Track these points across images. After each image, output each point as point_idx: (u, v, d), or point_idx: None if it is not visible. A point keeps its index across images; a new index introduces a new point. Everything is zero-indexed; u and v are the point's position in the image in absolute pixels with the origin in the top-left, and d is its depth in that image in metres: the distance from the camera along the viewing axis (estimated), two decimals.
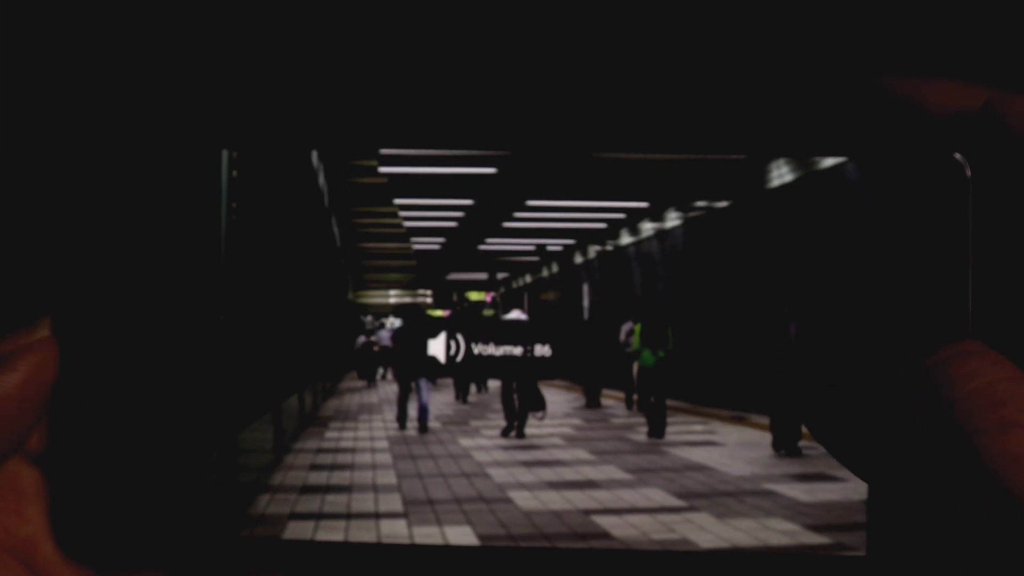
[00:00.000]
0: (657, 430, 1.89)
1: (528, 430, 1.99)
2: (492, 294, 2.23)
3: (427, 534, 1.69)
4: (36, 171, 0.93)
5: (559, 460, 1.93)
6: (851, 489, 1.40)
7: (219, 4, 1.04)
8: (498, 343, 1.06)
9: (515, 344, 1.06)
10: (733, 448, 1.88)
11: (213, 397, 0.88)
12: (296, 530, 1.41)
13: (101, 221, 0.88)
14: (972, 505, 0.56)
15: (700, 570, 0.95)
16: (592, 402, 2.05)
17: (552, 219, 1.98)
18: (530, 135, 0.87)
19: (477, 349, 1.06)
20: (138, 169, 0.88)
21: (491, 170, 1.52)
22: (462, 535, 1.65)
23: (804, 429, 1.79)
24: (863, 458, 0.65)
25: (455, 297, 2.22)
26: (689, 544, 1.50)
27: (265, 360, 1.17)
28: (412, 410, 2.00)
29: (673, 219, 1.84)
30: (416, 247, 2.08)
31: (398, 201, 1.90)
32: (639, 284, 1.93)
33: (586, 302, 2.07)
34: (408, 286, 2.12)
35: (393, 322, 1.77)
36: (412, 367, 1.07)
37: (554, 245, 2.05)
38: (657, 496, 1.81)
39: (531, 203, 1.90)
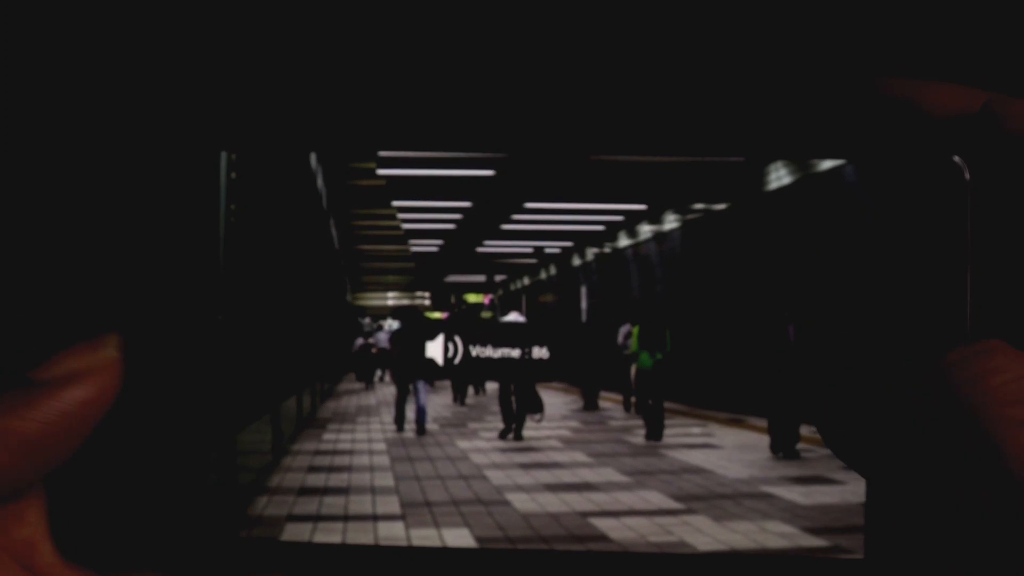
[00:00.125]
0: (655, 432, 1.89)
1: (526, 432, 1.99)
2: (490, 296, 2.24)
3: (424, 536, 1.69)
4: (35, 173, 0.93)
5: (557, 462, 1.93)
6: (849, 492, 1.40)
7: (218, 6, 1.04)
8: (496, 345, 1.06)
9: (513, 346, 1.06)
10: (731, 451, 1.88)
11: (212, 398, 0.88)
12: (294, 532, 1.41)
13: (99, 223, 0.88)
14: (989, 503, 0.56)
15: (698, 573, 0.95)
16: (590, 404, 2.05)
17: (550, 221, 1.98)
18: (528, 137, 0.88)
19: (475, 351, 1.06)
20: (136, 171, 0.88)
21: (489, 172, 1.52)
22: (459, 537, 1.65)
23: (802, 432, 1.79)
24: (873, 457, 0.65)
25: (453, 299, 2.22)
26: (686, 547, 1.50)
27: (263, 362, 1.17)
28: (410, 412, 2.00)
29: (671, 221, 1.84)
30: (414, 249, 2.08)
31: (396, 203, 1.90)
32: (637, 286, 1.93)
33: (584, 304, 2.07)
34: (406, 288, 2.12)
35: (391, 324, 1.77)
36: (410, 369, 1.07)
37: (552, 247, 2.05)
38: (655, 499, 1.81)
39: (529, 205, 1.90)
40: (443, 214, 1.95)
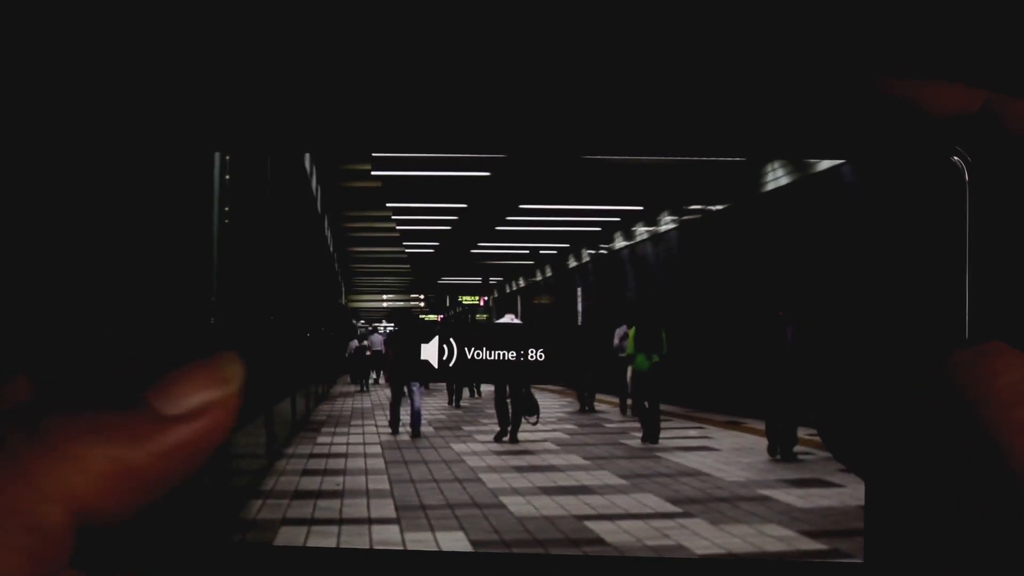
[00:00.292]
0: (651, 435, 1.89)
1: (521, 435, 1.99)
2: (485, 298, 2.23)
3: (420, 540, 1.69)
4: (29, 174, 0.93)
5: (552, 465, 1.92)
6: (848, 495, 1.39)
7: (212, 9, 1.04)
8: (491, 347, 1.05)
9: (508, 349, 1.05)
10: (728, 453, 1.88)
11: None
12: (288, 536, 1.40)
13: (92, 223, 0.88)
14: (991, 505, 0.55)
15: None
16: (586, 407, 2.04)
17: (546, 222, 1.98)
18: (524, 138, 0.87)
19: (470, 354, 1.06)
20: (131, 172, 0.87)
21: (484, 173, 1.52)
22: (455, 541, 1.64)
23: (800, 434, 1.79)
24: (874, 459, 0.64)
25: (448, 301, 2.21)
26: (684, 550, 1.50)
27: (257, 364, 1.16)
28: (405, 415, 1.99)
29: (668, 222, 1.84)
30: (409, 251, 2.08)
31: (391, 205, 1.90)
32: (633, 288, 1.93)
33: (580, 306, 2.07)
34: (401, 290, 2.11)
35: (386, 326, 1.77)
36: (405, 372, 1.06)
37: (548, 249, 2.05)
38: (651, 502, 1.80)
39: (524, 207, 1.90)
40: (438, 215, 1.94)
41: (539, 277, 1.99)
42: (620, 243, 1.92)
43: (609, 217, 1.88)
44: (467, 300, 2.17)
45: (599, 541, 1.70)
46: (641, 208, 1.79)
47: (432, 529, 1.72)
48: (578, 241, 1.94)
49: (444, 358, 1.05)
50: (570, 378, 1.11)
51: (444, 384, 1.99)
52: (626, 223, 1.88)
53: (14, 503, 0.50)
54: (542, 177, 1.50)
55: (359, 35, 1.03)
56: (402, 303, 2.05)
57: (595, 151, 0.88)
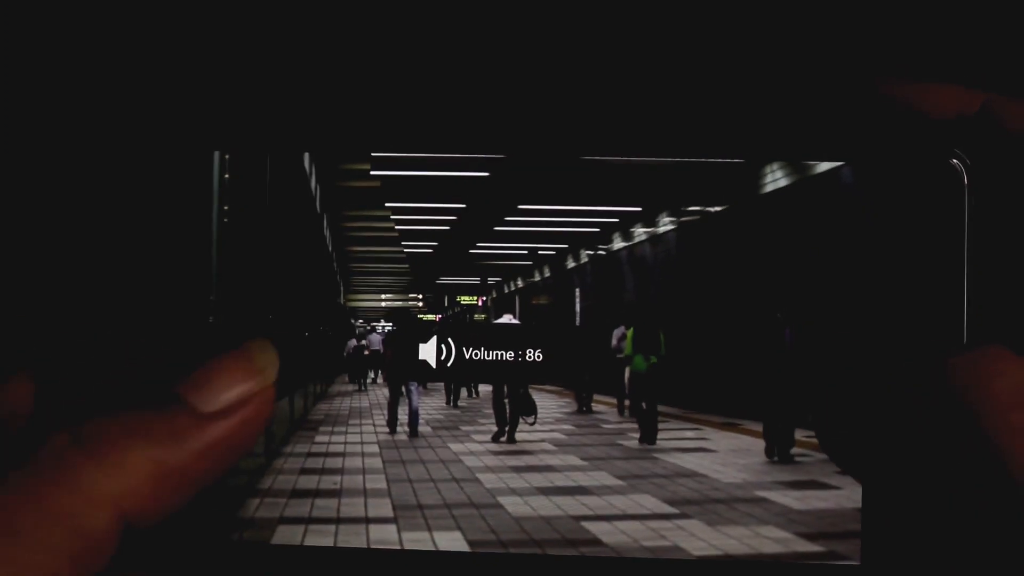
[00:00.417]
0: (649, 436, 1.89)
1: (519, 435, 1.99)
2: (484, 298, 2.23)
3: (417, 539, 1.69)
4: (29, 174, 0.93)
5: (550, 466, 1.92)
6: (844, 497, 1.39)
7: (212, 7, 1.04)
8: (489, 348, 1.06)
9: (506, 349, 1.05)
10: (725, 455, 1.88)
11: None
12: (286, 534, 1.40)
13: (92, 222, 0.88)
14: (990, 507, 0.55)
15: None
16: (583, 408, 2.05)
17: (544, 223, 1.98)
18: (523, 139, 0.87)
19: (468, 353, 1.06)
20: (130, 171, 0.87)
21: (483, 174, 1.52)
22: (452, 541, 1.64)
23: (797, 436, 1.78)
24: (871, 461, 0.64)
25: (446, 301, 2.21)
26: (680, 552, 1.50)
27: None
28: (402, 414, 1.99)
29: (666, 223, 1.84)
30: (408, 251, 2.08)
31: (390, 204, 1.90)
32: (632, 289, 1.93)
33: (578, 307, 2.07)
34: (400, 290, 2.11)
35: (385, 326, 1.77)
36: (403, 371, 1.06)
37: (546, 249, 2.05)
38: (648, 503, 1.80)
39: (523, 207, 1.90)
40: (437, 215, 1.94)
41: (537, 277, 1.99)
42: (618, 244, 1.92)
43: (607, 218, 1.88)
44: (465, 300, 2.17)
45: (596, 542, 1.70)
46: (640, 209, 1.79)
47: (429, 529, 1.72)
48: (576, 242, 1.94)
49: (442, 358, 1.05)
50: (568, 379, 1.11)
51: (442, 384, 1.99)
52: (624, 224, 1.88)
53: (61, 507, 0.50)
54: (541, 178, 1.50)
55: (358, 35, 1.03)
56: (400, 303, 2.05)
57: (594, 152, 0.88)
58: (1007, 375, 0.57)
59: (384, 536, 1.66)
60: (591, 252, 2.01)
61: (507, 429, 1.94)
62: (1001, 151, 0.69)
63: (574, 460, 1.88)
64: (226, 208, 0.88)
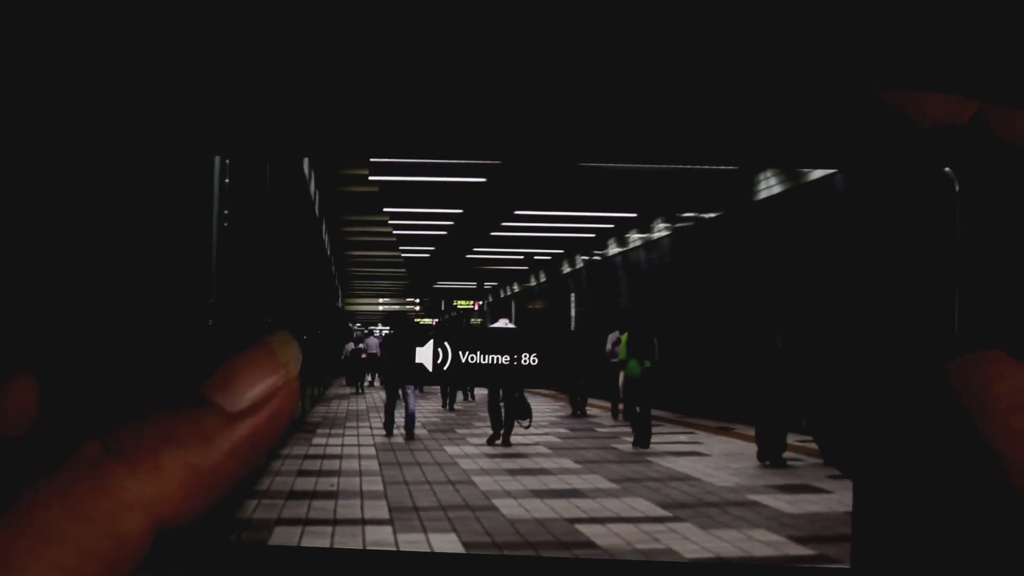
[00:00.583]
0: (642, 440, 1.90)
1: (514, 438, 2.00)
2: (480, 303, 2.24)
3: (412, 541, 1.70)
4: (31, 176, 0.94)
5: (544, 469, 1.93)
6: (835, 501, 1.40)
7: (213, 13, 1.04)
8: (485, 352, 1.06)
9: (502, 353, 1.06)
10: (718, 458, 1.89)
11: None
12: (283, 535, 1.41)
13: (93, 226, 0.89)
14: (986, 507, 0.56)
15: None
16: (578, 411, 2.06)
17: (540, 229, 1.99)
18: (520, 145, 0.88)
19: (464, 357, 1.07)
20: (131, 175, 0.88)
21: (481, 180, 1.53)
22: (447, 542, 1.66)
23: (789, 440, 1.80)
24: (869, 463, 0.65)
25: (443, 305, 2.22)
26: (673, 554, 1.51)
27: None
28: (399, 417, 2.00)
29: (661, 229, 1.85)
30: (405, 255, 2.09)
31: (388, 209, 1.91)
32: (626, 294, 1.94)
33: (573, 311, 2.08)
34: (397, 294, 2.12)
35: (382, 330, 1.78)
36: (400, 375, 1.07)
37: (542, 255, 2.06)
38: (641, 506, 1.81)
39: (520, 212, 1.91)
40: (434, 220, 1.95)
41: (533, 282, 2.01)
42: (614, 250, 1.93)
43: (603, 224, 1.89)
44: (462, 304, 2.18)
45: (590, 544, 1.72)
46: (635, 215, 1.80)
47: (425, 530, 1.73)
48: (572, 247, 1.95)
49: (438, 362, 1.06)
50: (563, 383, 1.12)
51: (438, 388, 2.00)
52: (620, 230, 1.89)
53: (97, 512, 0.51)
54: (537, 184, 1.51)
55: (358, 41, 1.04)
56: (398, 307, 2.06)
57: (591, 158, 0.89)
58: (1006, 379, 0.58)
59: (380, 538, 1.67)
60: (586, 257, 2.02)
61: (502, 432, 1.96)
62: (992, 159, 0.70)
63: (568, 463, 1.90)
64: (226, 212, 0.89)
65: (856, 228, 0.82)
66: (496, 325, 2.15)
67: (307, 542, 1.44)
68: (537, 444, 1.90)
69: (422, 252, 2.04)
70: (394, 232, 1.96)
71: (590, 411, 1.93)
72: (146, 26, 1.04)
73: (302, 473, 1.77)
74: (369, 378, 1.82)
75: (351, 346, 1.81)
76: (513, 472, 1.85)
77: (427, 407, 1.93)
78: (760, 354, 1.53)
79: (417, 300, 2.13)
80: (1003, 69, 1.01)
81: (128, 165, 0.90)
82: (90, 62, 1.03)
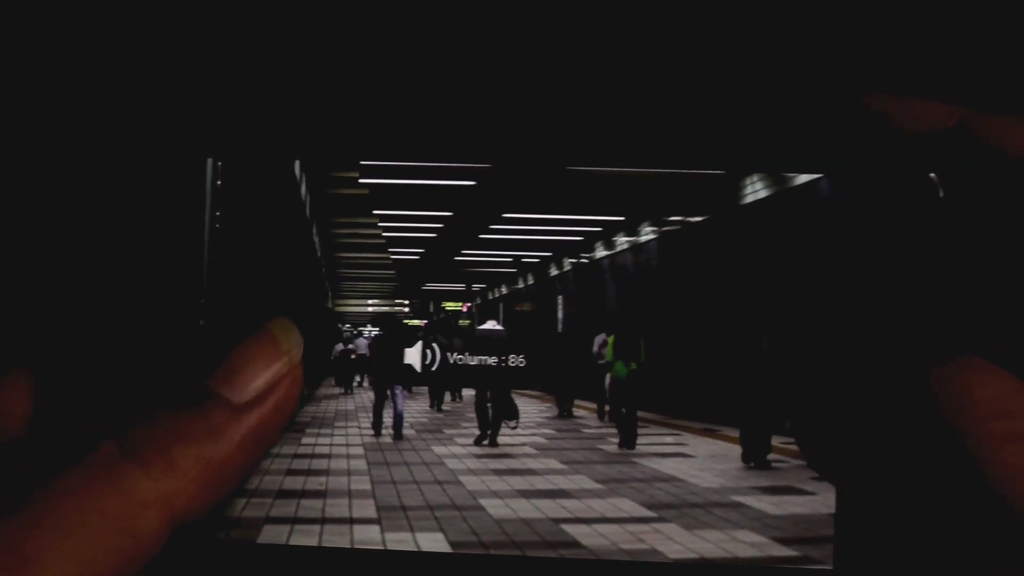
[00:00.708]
0: (628, 441, 1.91)
1: (501, 439, 2.01)
2: (468, 305, 2.25)
3: (400, 540, 1.71)
4: (22, 178, 0.95)
5: (531, 469, 1.95)
6: (819, 502, 1.42)
7: (204, 15, 1.06)
8: (473, 353, 1.08)
9: (490, 354, 1.08)
10: (703, 460, 1.91)
11: None
12: (271, 534, 1.42)
13: (85, 227, 0.90)
14: (970, 515, 0.57)
15: None
16: (564, 412, 2.07)
17: (529, 231, 2.00)
18: (510, 148, 0.89)
19: (452, 358, 1.08)
20: (123, 176, 0.89)
21: (470, 183, 1.54)
22: (434, 542, 1.67)
23: (773, 443, 1.81)
24: (851, 468, 0.66)
25: (432, 307, 2.23)
26: (657, 555, 1.52)
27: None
28: (387, 417, 2.01)
29: (648, 233, 1.86)
30: (395, 257, 2.10)
31: (378, 212, 1.92)
32: (613, 296, 1.95)
33: (560, 314, 2.09)
34: (386, 296, 2.13)
35: (371, 330, 1.79)
36: (388, 375, 1.08)
37: (530, 257, 2.07)
38: (627, 506, 1.83)
39: (508, 215, 1.92)
40: (424, 223, 1.96)
41: (521, 285, 2.02)
42: (601, 252, 1.94)
43: (590, 227, 1.91)
44: (450, 306, 2.19)
45: (575, 544, 1.73)
46: (622, 219, 1.82)
47: (412, 530, 1.74)
48: (560, 250, 1.96)
49: (427, 362, 1.07)
50: (550, 384, 1.14)
51: (426, 388, 2.01)
52: (607, 233, 1.90)
53: (115, 510, 0.52)
54: (526, 187, 1.52)
55: (350, 44, 1.05)
56: (387, 308, 2.07)
57: (579, 162, 0.90)
58: (987, 385, 0.59)
59: (368, 536, 1.68)
60: (574, 260, 2.04)
61: (489, 433, 1.97)
62: (978, 164, 0.71)
63: (554, 464, 1.91)
64: (218, 213, 0.90)
65: (841, 233, 0.84)
66: (484, 327, 2.16)
67: (295, 541, 1.45)
68: (524, 445, 1.91)
69: (411, 254, 2.05)
70: (384, 234, 1.97)
71: (576, 412, 1.94)
72: (138, 29, 1.05)
73: (291, 472, 1.77)
74: (358, 378, 1.83)
75: (340, 347, 1.82)
76: (500, 472, 1.87)
77: (415, 407, 1.94)
78: (745, 357, 1.55)
79: (406, 302, 2.14)
80: (990, 75, 1.02)
81: (120, 167, 0.91)
82: (82, 64, 1.04)
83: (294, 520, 1.66)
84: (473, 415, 1.94)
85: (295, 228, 1.67)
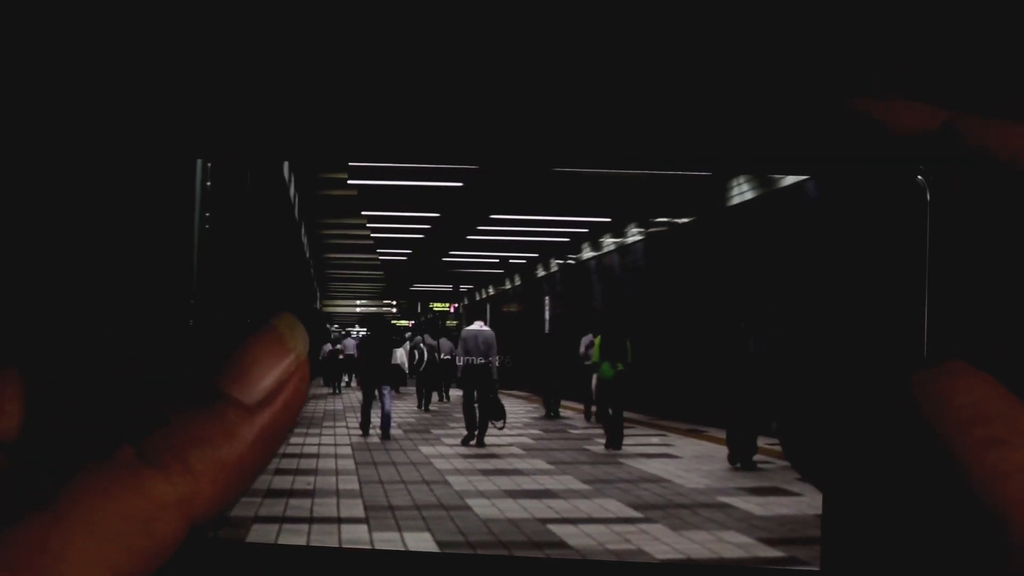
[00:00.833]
0: (615, 441, 1.92)
1: (488, 439, 2.02)
2: (456, 305, 2.26)
3: (387, 539, 1.72)
4: (11, 179, 0.95)
5: (518, 469, 1.95)
6: (805, 503, 1.43)
7: (194, 18, 1.06)
8: (461, 353, 1.08)
9: (477, 354, 1.08)
10: (689, 460, 1.91)
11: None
12: (260, 533, 1.43)
13: (73, 229, 0.90)
14: (950, 521, 0.57)
15: None
16: (551, 413, 2.08)
17: (516, 232, 2.01)
18: (497, 149, 0.89)
19: (439, 358, 1.08)
20: (113, 178, 0.89)
21: (457, 184, 1.54)
22: (421, 541, 1.67)
23: (759, 443, 1.82)
24: (834, 473, 0.66)
25: (419, 307, 2.24)
26: (644, 555, 1.53)
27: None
28: (375, 417, 2.02)
29: (634, 234, 1.87)
30: (383, 258, 2.10)
31: (366, 213, 1.92)
32: (600, 297, 1.95)
33: (547, 315, 2.09)
34: (374, 296, 2.13)
35: (359, 331, 1.79)
36: (376, 375, 1.09)
37: (517, 258, 2.08)
38: (613, 507, 1.84)
39: (496, 216, 1.92)
40: (412, 224, 1.97)
41: (508, 286, 2.03)
42: (588, 254, 1.95)
43: (577, 228, 1.91)
44: (438, 307, 2.19)
45: (562, 544, 1.73)
46: (609, 220, 1.82)
47: (400, 529, 1.75)
48: (547, 251, 1.97)
49: (415, 363, 1.08)
50: (536, 384, 1.14)
51: (414, 388, 2.01)
52: (594, 234, 1.91)
53: (136, 513, 0.52)
54: (513, 188, 1.53)
55: (338, 46, 1.06)
56: (375, 309, 2.08)
57: (566, 163, 0.91)
58: (969, 390, 0.58)
59: (356, 536, 1.68)
60: (561, 261, 2.04)
61: (476, 433, 1.97)
62: (964, 166, 0.72)
63: (541, 464, 1.91)
64: (207, 215, 0.90)
65: (827, 235, 0.84)
66: (471, 328, 2.17)
67: (284, 540, 1.46)
68: (511, 445, 1.92)
69: (399, 255, 2.05)
70: (372, 235, 1.98)
71: (563, 413, 1.95)
72: (128, 32, 1.05)
73: (279, 472, 1.78)
74: (346, 379, 1.83)
75: (328, 347, 1.82)
76: (487, 472, 1.87)
77: (403, 408, 1.95)
78: (731, 358, 1.56)
79: (394, 302, 2.15)
80: (979, 77, 1.03)
81: (110, 168, 0.91)
82: (72, 67, 1.04)
83: (282, 519, 1.67)
84: (460, 415, 1.94)
85: (284, 229, 1.67)
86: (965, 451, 0.48)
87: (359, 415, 1.91)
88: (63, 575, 0.43)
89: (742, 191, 1.50)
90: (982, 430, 0.48)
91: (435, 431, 1.94)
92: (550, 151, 0.86)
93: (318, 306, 1.89)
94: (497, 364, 1.77)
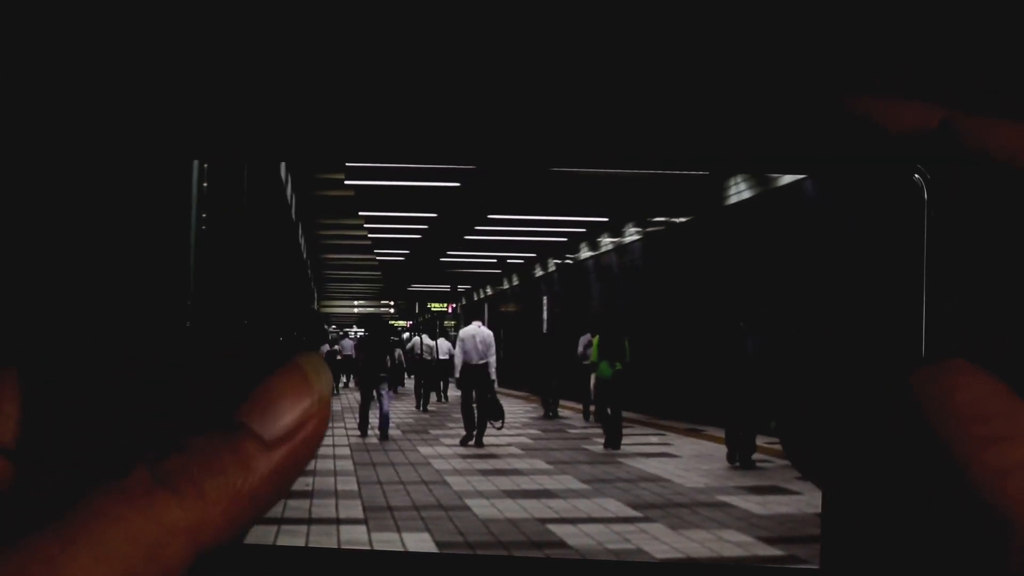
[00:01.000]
0: (613, 441, 1.93)
1: (486, 439, 2.03)
2: (454, 306, 2.26)
3: (386, 540, 1.72)
4: (7, 179, 0.95)
5: (516, 469, 1.96)
6: (805, 502, 1.43)
7: (191, 18, 1.06)
8: (459, 353, 1.08)
9: (475, 355, 1.08)
10: (688, 460, 1.92)
11: (179, 403, 0.89)
12: (258, 534, 1.43)
13: (70, 230, 0.90)
14: (950, 519, 0.57)
15: None
16: (550, 413, 2.08)
17: (513, 232, 2.01)
18: (494, 149, 0.89)
19: (437, 359, 1.08)
20: (109, 178, 0.89)
21: (455, 184, 1.55)
22: (420, 542, 1.68)
23: (758, 442, 1.81)
24: (834, 471, 0.66)
25: (417, 308, 2.24)
26: (643, 554, 1.53)
27: (231, 368, 1.18)
28: (373, 418, 2.02)
29: (632, 234, 1.87)
30: (380, 259, 2.11)
31: (364, 213, 1.92)
32: (598, 297, 1.96)
33: (545, 314, 2.10)
34: (372, 296, 2.14)
35: (356, 331, 1.79)
36: (374, 376, 1.09)
37: (515, 258, 2.08)
38: (612, 506, 1.84)
39: (493, 216, 1.93)
40: (409, 224, 1.97)
41: (506, 286, 2.03)
42: (585, 253, 1.95)
43: (575, 228, 1.92)
44: (436, 307, 2.20)
45: (561, 544, 1.74)
46: (606, 220, 1.83)
47: (399, 530, 1.75)
48: (544, 251, 1.98)
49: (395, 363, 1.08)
50: (535, 384, 1.15)
51: (412, 388, 2.01)
52: (591, 234, 1.92)
53: (145, 536, 0.52)
54: (510, 188, 1.53)
55: (336, 47, 1.06)
56: (372, 309, 2.09)
57: (564, 163, 0.91)
58: (968, 387, 0.58)
59: (354, 537, 1.69)
60: (558, 261, 2.05)
61: (475, 433, 1.98)
62: (962, 165, 0.72)
63: (540, 464, 1.92)
64: (204, 216, 0.90)
65: (825, 234, 0.84)
66: (469, 328, 2.17)
67: (282, 541, 1.46)
68: (509, 445, 1.93)
69: (397, 255, 2.06)
70: (369, 236, 1.98)
71: (562, 413, 1.96)
72: (125, 31, 1.05)
73: None
74: (344, 379, 1.84)
75: (326, 348, 1.82)
76: (486, 473, 1.88)
77: (401, 408, 1.95)
78: (730, 357, 1.56)
79: (392, 303, 2.15)
80: (979, 77, 1.03)
81: (107, 168, 0.91)
82: (69, 67, 1.04)
83: (281, 520, 1.67)
84: (459, 416, 1.95)
85: (281, 230, 1.67)
86: (965, 449, 0.49)
87: (357, 416, 1.91)
88: None
89: (739, 190, 1.50)
90: (982, 427, 0.48)
91: (433, 431, 1.94)
92: (547, 151, 0.87)
93: (315, 307, 1.90)
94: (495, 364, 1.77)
